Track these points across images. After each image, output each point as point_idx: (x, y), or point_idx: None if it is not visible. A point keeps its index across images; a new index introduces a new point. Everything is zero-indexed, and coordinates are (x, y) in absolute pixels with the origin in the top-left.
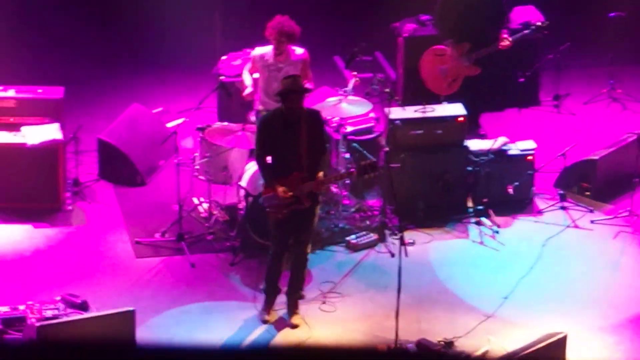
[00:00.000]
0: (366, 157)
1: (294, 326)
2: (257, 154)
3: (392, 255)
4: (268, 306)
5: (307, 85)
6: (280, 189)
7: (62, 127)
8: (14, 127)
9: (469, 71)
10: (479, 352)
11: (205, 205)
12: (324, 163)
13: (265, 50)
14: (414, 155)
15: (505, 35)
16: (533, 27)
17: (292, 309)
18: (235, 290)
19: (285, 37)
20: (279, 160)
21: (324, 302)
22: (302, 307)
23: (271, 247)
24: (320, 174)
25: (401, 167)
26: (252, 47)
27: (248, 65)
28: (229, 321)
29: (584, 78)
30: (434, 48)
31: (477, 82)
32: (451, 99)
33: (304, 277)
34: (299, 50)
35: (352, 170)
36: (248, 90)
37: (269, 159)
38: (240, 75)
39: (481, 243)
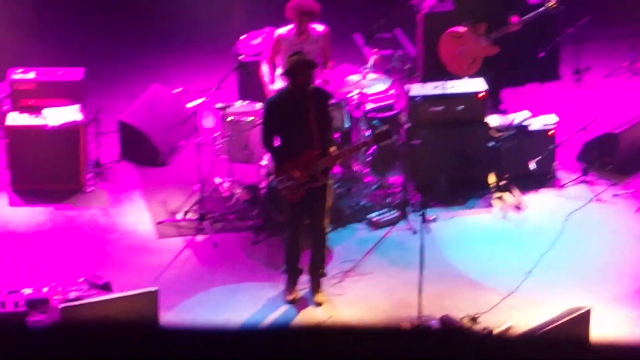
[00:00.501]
0: (379, 126)
1: (318, 304)
2: (265, 138)
3: (414, 232)
4: (290, 286)
5: (330, 63)
6: (296, 171)
7: (83, 109)
8: (35, 109)
9: (488, 51)
10: (502, 328)
11: (227, 185)
12: (330, 138)
13: (287, 30)
14: (434, 132)
15: (515, 21)
16: (548, 4)
17: (315, 287)
18: (258, 269)
19: (305, 16)
20: (288, 140)
21: (343, 281)
22: (325, 285)
23: (287, 228)
24: (333, 148)
25: (422, 144)
26: (272, 26)
27: (265, 68)
28: (252, 301)
29: (604, 51)
30: (451, 30)
31: (498, 57)
32: (471, 75)
33: (324, 255)
34: (319, 27)
35: (367, 140)
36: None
37: (276, 142)
38: (259, 54)
39: (503, 219)
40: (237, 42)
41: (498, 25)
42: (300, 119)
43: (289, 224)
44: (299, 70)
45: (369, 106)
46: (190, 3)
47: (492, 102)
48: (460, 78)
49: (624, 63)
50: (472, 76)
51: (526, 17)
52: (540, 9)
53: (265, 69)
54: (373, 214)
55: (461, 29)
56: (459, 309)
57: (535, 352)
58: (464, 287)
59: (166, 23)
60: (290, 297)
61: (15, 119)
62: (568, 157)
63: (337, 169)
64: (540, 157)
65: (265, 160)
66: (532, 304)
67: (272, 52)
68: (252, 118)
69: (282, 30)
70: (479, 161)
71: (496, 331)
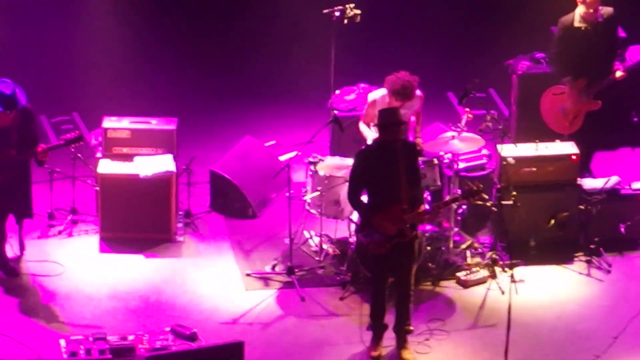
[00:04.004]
0: (470, 183)
1: None
2: (352, 190)
3: (503, 292)
4: (376, 342)
5: (420, 122)
6: (384, 225)
7: (175, 159)
8: (128, 158)
9: (590, 106)
10: None
11: (316, 239)
12: (420, 195)
13: (380, 95)
14: (526, 193)
15: (619, 67)
16: None
17: (402, 343)
18: (344, 324)
19: (402, 97)
20: (376, 193)
21: (429, 339)
22: (411, 342)
23: (372, 283)
24: (422, 207)
25: (513, 204)
26: (366, 82)
27: (363, 126)
28: (338, 356)
29: None
30: (552, 88)
31: (591, 121)
32: (565, 139)
33: (409, 311)
34: (416, 92)
35: (455, 196)
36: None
37: (364, 198)
38: (353, 110)
39: (592, 281)
40: (332, 97)
41: (598, 79)
42: (389, 173)
43: (374, 278)
44: (389, 125)
45: (461, 165)
46: (284, 56)
47: (585, 164)
48: (561, 136)
49: None
50: (573, 135)
51: (629, 66)
52: None
53: (363, 127)
54: (462, 273)
55: (562, 85)
56: None
57: None
58: (550, 350)
59: (261, 75)
60: (376, 354)
61: (107, 166)
62: None
63: (427, 227)
64: (630, 222)
65: (355, 216)
66: None
67: (367, 115)
68: (344, 172)
69: (376, 95)
70: (570, 223)
71: None
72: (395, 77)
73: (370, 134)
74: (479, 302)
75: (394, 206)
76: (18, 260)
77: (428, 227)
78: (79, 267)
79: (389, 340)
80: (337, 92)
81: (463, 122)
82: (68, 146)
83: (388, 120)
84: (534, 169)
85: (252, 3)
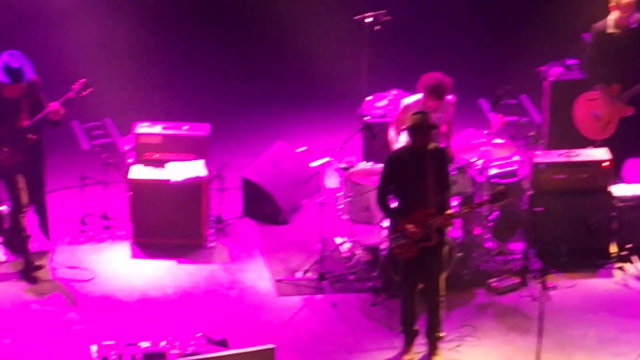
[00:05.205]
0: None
1: None
2: (381, 194)
3: (534, 299)
4: (407, 347)
5: (452, 128)
6: (410, 227)
7: (207, 164)
8: (159, 163)
9: (623, 112)
10: None
11: (348, 245)
12: (448, 200)
13: (414, 100)
14: (557, 199)
15: None
16: None
17: (432, 349)
18: (375, 330)
19: (436, 96)
20: (404, 197)
21: (460, 345)
22: (442, 348)
23: (402, 287)
24: (450, 211)
25: (544, 211)
26: (398, 88)
27: (392, 133)
28: None
29: None
30: (585, 94)
31: (624, 127)
32: (597, 145)
33: (440, 317)
34: (448, 96)
35: (482, 200)
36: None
37: (394, 205)
38: (384, 116)
39: (624, 288)
40: (363, 103)
41: (631, 85)
42: (417, 177)
43: (404, 283)
44: (419, 130)
45: (493, 171)
46: (316, 62)
47: (616, 171)
48: (593, 142)
49: None
50: (605, 141)
51: None
52: None
53: (392, 134)
54: (492, 280)
55: (595, 91)
56: None
57: None
58: (582, 356)
59: (292, 81)
60: (407, 359)
61: (139, 172)
62: None
63: (458, 233)
64: None
65: (386, 222)
66: None
67: (399, 120)
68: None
69: (410, 100)
70: (602, 230)
71: None
72: (431, 75)
73: (395, 144)
74: (510, 309)
75: (422, 210)
76: (46, 258)
77: (459, 233)
78: (110, 272)
79: (420, 345)
80: (369, 98)
81: (495, 128)
82: (78, 95)
83: (419, 123)
84: (566, 176)
85: (285, 9)
